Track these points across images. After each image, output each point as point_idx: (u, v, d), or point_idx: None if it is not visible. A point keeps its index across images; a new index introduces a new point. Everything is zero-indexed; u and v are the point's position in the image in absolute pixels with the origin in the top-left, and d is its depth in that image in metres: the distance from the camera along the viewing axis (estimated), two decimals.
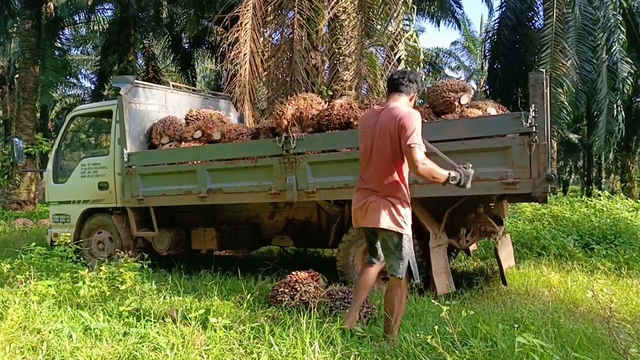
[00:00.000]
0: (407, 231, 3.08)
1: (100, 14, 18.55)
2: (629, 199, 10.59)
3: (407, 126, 2.89)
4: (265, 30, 8.76)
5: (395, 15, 8.24)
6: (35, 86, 15.06)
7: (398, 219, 3.03)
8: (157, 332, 3.09)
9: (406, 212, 3.09)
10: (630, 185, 17.90)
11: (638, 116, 17.81)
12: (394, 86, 3.17)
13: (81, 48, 24.35)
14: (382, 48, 9.29)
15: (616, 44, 12.43)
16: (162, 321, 3.38)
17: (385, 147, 3.01)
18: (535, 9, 14.21)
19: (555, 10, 10.57)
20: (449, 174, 2.93)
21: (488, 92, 15.18)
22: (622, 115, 14.01)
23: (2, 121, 23.74)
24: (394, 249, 3.05)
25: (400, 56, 8.07)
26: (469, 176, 2.98)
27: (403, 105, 3.09)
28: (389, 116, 3.01)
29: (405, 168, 3.06)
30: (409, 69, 3.28)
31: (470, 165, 3.01)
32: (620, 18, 12.79)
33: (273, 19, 8.59)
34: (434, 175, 2.91)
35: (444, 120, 4.51)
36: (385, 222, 3.02)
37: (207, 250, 6.26)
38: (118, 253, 5.52)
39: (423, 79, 3.39)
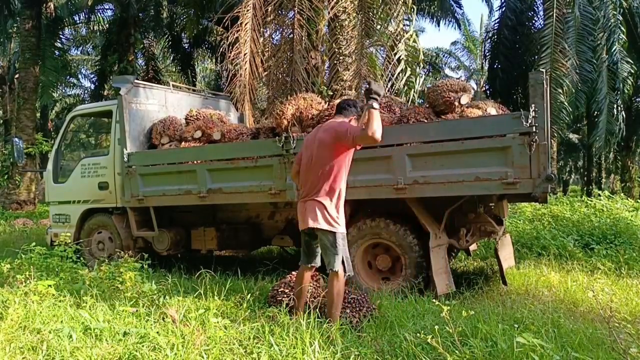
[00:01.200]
0: (341, 230, 3.48)
1: (100, 14, 18.59)
2: (629, 199, 10.58)
3: (340, 128, 3.38)
4: (265, 30, 8.77)
5: (395, 15, 8.24)
6: (35, 86, 15.06)
7: (330, 220, 3.43)
8: (157, 332, 3.09)
9: (338, 213, 3.48)
10: (630, 185, 17.88)
11: (638, 116, 17.79)
12: (337, 109, 3.69)
13: (81, 48, 24.37)
14: (382, 48, 9.29)
15: (616, 44, 12.44)
16: (162, 321, 3.38)
17: (323, 156, 3.42)
18: (535, 9, 14.23)
19: (555, 10, 10.57)
20: (371, 105, 3.22)
21: (488, 92, 15.18)
22: (622, 115, 14.02)
23: (2, 121, 23.74)
24: (330, 246, 3.43)
25: (400, 56, 8.08)
26: (372, 86, 3.31)
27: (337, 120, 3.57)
28: (325, 129, 3.51)
29: (340, 176, 3.45)
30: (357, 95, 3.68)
31: (368, 82, 3.46)
32: (620, 18, 12.80)
33: (273, 19, 8.59)
34: (371, 119, 3.18)
35: (444, 120, 4.51)
36: (320, 223, 3.42)
37: (207, 250, 6.26)
38: (118, 253, 5.52)
39: (359, 105, 3.76)
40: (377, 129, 3.14)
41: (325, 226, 3.41)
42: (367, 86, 3.41)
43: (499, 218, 4.97)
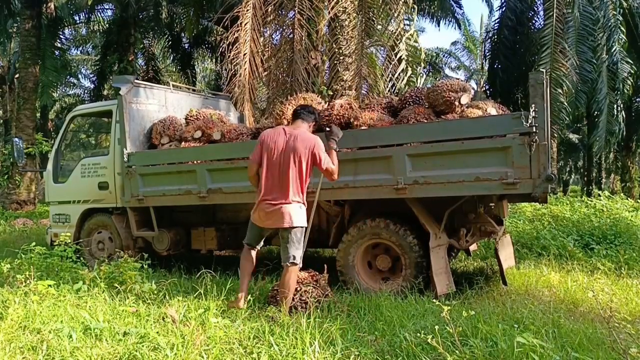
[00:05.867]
0: (305, 226, 3.93)
1: (100, 13, 18.58)
2: (629, 199, 10.59)
3: (317, 152, 3.80)
4: (265, 30, 8.77)
5: (395, 15, 8.25)
6: (35, 86, 15.04)
7: (303, 217, 3.87)
8: (157, 332, 3.09)
9: (305, 211, 3.92)
10: (630, 186, 17.89)
11: (638, 116, 17.81)
12: (295, 115, 4.08)
13: (81, 48, 24.35)
14: (382, 48, 9.30)
15: (616, 44, 12.44)
16: (162, 321, 3.38)
17: (294, 166, 3.77)
18: (535, 9, 14.23)
19: (555, 10, 10.56)
20: (332, 147, 4.00)
21: (488, 92, 15.18)
22: (622, 115, 14.05)
23: (2, 121, 23.73)
24: (297, 242, 3.83)
25: (400, 56, 8.09)
26: (333, 129, 4.12)
27: (308, 132, 3.97)
28: (301, 141, 3.80)
29: (305, 180, 3.85)
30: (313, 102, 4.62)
31: (328, 128, 4.21)
32: (620, 18, 12.79)
33: (273, 19, 8.59)
34: (335, 163, 3.91)
35: (444, 120, 4.50)
36: (296, 221, 3.80)
37: (207, 250, 6.25)
38: (118, 253, 5.52)
39: (318, 115, 4.42)
40: (336, 170, 3.89)
41: (299, 224, 3.82)
42: (328, 129, 4.12)
43: (499, 218, 4.97)
